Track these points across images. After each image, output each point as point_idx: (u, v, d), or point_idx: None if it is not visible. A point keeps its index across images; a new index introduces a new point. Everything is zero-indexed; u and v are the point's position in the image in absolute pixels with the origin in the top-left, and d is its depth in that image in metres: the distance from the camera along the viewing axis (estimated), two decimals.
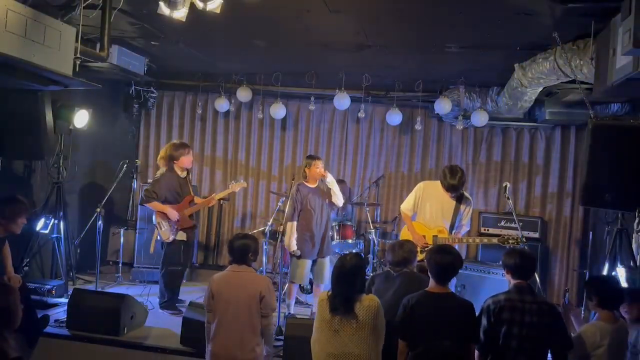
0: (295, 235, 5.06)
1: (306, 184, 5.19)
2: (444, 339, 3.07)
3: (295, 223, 5.10)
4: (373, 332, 3.08)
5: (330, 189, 5.18)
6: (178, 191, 5.31)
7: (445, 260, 3.20)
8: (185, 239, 5.32)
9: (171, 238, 5.23)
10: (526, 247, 4.47)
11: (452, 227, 4.76)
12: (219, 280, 3.48)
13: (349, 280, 3.13)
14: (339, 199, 5.22)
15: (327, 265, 5.23)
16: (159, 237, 5.32)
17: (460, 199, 4.77)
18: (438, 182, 4.84)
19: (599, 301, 3.21)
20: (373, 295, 3.24)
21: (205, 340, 3.52)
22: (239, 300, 3.37)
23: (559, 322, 3.11)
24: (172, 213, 5.20)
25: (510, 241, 4.54)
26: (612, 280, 3.59)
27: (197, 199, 5.55)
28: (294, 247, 5.05)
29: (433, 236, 4.71)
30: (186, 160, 5.34)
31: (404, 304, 3.21)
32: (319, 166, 5.16)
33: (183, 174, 5.40)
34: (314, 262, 5.20)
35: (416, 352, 3.15)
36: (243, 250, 3.47)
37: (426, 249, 4.67)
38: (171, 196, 5.27)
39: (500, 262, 3.41)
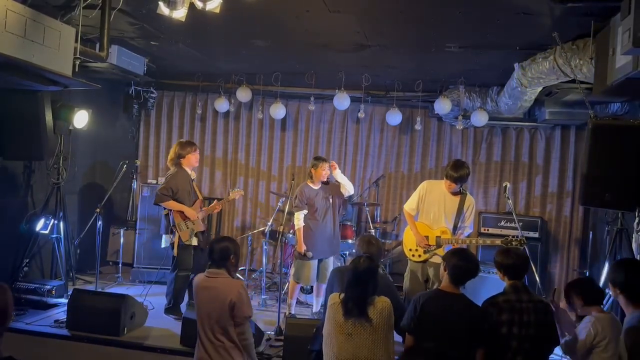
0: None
1: (310, 185, 5.22)
2: (450, 338, 3.06)
3: (303, 213, 5.12)
4: (386, 334, 3.08)
5: (340, 183, 5.27)
6: (189, 191, 5.20)
7: (460, 264, 3.19)
8: (197, 244, 5.21)
9: (194, 240, 5.15)
10: (526, 248, 4.47)
11: (455, 228, 4.74)
12: (197, 284, 3.35)
13: (362, 283, 3.12)
14: (348, 188, 5.32)
15: (331, 265, 5.24)
16: (176, 240, 5.13)
17: (463, 200, 4.76)
18: (441, 182, 4.82)
19: (585, 300, 3.21)
20: (385, 297, 3.20)
21: None
22: (211, 312, 3.21)
23: (552, 320, 3.18)
24: (190, 212, 5.13)
25: (514, 243, 4.44)
26: (588, 279, 3.73)
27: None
28: (303, 248, 5.08)
29: (436, 237, 4.70)
30: (193, 157, 5.28)
31: (414, 300, 3.24)
32: (324, 168, 5.20)
33: (193, 175, 5.35)
34: (319, 261, 5.20)
35: (422, 349, 3.15)
36: (223, 253, 3.31)
37: (430, 249, 4.68)
38: (183, 196, 5.14)
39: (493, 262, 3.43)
